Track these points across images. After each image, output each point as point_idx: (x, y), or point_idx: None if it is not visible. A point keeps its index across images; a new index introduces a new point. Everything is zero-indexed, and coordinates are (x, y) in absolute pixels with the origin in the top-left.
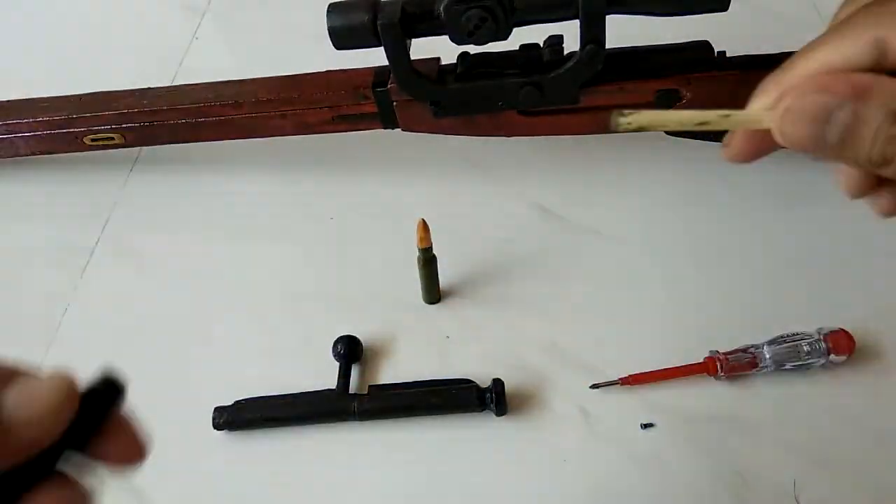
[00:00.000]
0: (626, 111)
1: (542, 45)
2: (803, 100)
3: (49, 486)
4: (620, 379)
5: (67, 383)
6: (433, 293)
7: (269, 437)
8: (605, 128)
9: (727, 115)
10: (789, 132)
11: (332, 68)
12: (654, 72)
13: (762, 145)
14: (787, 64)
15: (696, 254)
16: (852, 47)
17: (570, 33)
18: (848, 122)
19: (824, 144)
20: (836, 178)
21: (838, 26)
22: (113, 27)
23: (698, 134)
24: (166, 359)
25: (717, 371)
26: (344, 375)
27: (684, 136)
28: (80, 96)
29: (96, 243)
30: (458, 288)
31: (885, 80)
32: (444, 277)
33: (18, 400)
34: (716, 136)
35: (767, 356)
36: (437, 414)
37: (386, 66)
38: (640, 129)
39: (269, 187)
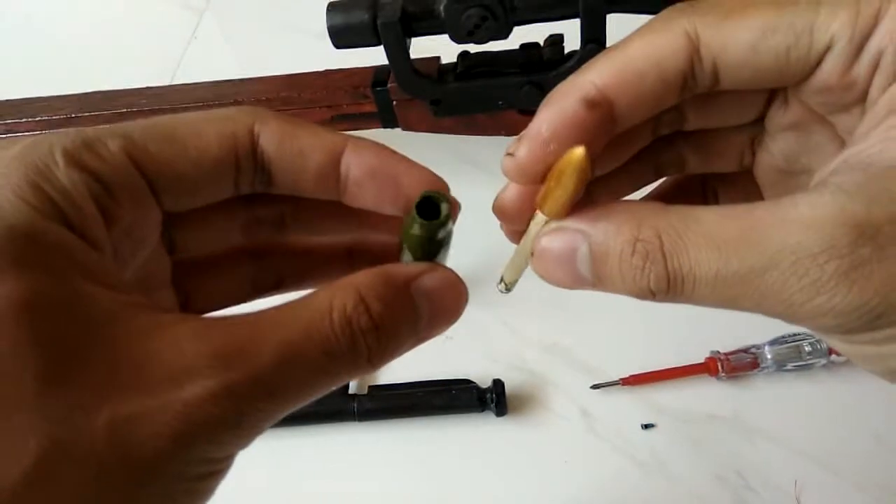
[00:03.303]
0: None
1: (542, 44)
2: (549, 242)
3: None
4: (621, 379)
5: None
6: None
7: (268, 437)
8: None
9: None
10: (548, 278)
11: (331, 68)
12: None
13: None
14: (592, 63)
15: None
16: (665, 40)
17: (571, 32)
18: (591, 259)
19: (585, 281)
20: None
21: (649, 23)
22: (112, 26)
23: None
24: None
25: (719, 371)
26: None
27: None
28: (78, 96)
29: None
30: None
31: (624, 206)
32: None
33: (432, 298)
34: None
35: (769, 356)
36: (436, 415)
37: (386, 65)
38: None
39: None
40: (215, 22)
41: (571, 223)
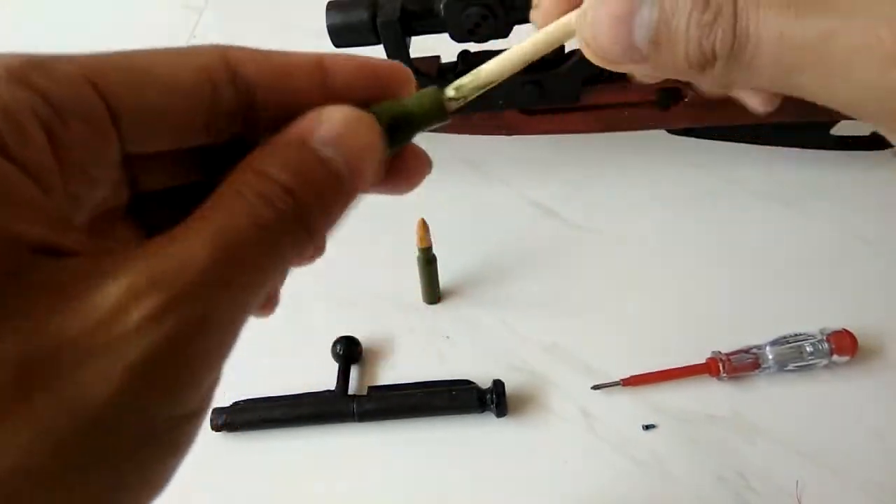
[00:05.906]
0: (452, 89)
1: None
2: (604, 2)
3: None
4: (622, 380)
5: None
6: (433, 293)
7: (268, 438)
8: (607, 126)
9: (546, 36)
10: (593, 41)
11: None
12: None
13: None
14: None
15: (698, 253)
16: None
17: None
18: (655, 17)
19: (636, 51)
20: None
21: None
22: (111, 25)
23: (704, 132)
24: None
25: (720, 372)
26: (343, 376)
27: (688, 135)
28: None
29: None
30: (458, 288)
31: None
32: (444, 277)
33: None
34: (722, 135)
35: (770, 357)
36: (436, 415)
37: None
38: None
39: None
40: (214, 21)
41: None
